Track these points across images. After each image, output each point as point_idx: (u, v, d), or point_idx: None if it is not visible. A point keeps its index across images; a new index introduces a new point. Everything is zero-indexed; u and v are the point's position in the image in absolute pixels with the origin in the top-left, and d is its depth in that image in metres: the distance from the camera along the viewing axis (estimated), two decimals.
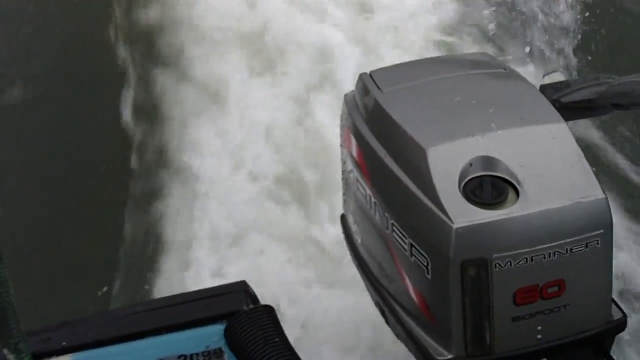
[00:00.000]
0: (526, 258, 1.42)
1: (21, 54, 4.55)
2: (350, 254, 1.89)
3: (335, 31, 4.18)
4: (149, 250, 3.42)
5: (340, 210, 2.01)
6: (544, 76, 2.02)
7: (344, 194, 1.92)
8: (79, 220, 3.62)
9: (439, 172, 1.47)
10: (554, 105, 1.68)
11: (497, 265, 1.41)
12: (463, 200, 1.44)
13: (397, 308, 1.62)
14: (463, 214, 1.42)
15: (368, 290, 1.80)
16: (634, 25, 4.07)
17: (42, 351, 1.51)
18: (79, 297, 3.19)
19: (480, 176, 1.46)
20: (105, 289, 3.25)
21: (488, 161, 1.48)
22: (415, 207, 1.49)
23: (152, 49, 4.51)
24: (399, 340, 1.69)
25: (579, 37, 4.05)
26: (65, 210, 3.66)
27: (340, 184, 1.95)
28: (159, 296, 1.75)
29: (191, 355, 1.59)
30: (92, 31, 4.68)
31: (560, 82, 1.90)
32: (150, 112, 4.16)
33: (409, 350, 1.62)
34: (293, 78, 3.97)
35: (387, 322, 1.71)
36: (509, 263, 1.42)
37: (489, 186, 1.45)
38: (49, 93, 4.34)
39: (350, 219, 1.87)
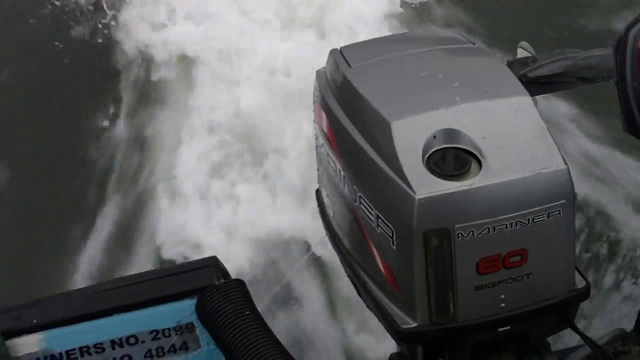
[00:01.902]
0: (488, 228, 1.44)
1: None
2: (324, 228, 1.91)
3: None
4: (120, 228, 3.44)
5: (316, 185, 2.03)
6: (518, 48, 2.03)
7: (318, 169, 1.94)
8: (49, 201, 3.64)
9: (403, 144, 1.49)
10: (521, 81, 1.70)
11: (460, 235, 1.44)
12: (426, 171, 1.46)
13: (366, 279, 1.64)
14: (425, 185, 1.44)
15: (341, 262, 1.83)
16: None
17: (13, 329, 1.53)
18: (48, 276, 3.21)
19: (444, 148, 1.48)
20: (75, 267, 3.28)
21: (451, 133, 1.49)
22: (380, 179, 1.51)
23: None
24: (370, 311, 1.72)
25: (544, 12, 4.10)
26: (36, 189, 3.68)
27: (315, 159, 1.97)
28: (129, 273, 1.76)
29: (163, 331, 1.61)
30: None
31: (527, 58, 1.92)
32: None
33: (378, 320, 1.64)
34: None
35: (359, 293, 1.74)
36: (471, 233, 1.44)
37: (452, 158, 1.46)
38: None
39: (324, 193, 1.90)
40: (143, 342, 1.60)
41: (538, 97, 1.73)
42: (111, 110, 4.14)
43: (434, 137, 1.49)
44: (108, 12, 4.58)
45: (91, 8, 4.67)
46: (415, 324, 1.51)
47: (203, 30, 4.25)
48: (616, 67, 1.68)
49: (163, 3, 4.46)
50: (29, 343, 1.54)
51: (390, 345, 1.72)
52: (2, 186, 3.76)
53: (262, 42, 4.16)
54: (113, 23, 4.57)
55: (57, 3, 4.66)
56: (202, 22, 4.29)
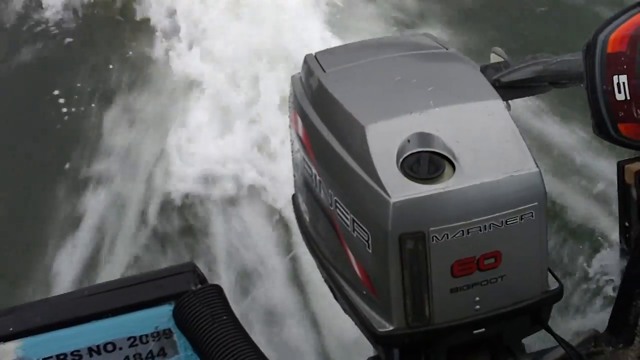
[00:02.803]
0: (462, 231, 1.46)
1: None
2: (301, 232, 1.92)
3: None
4: (95, 235, 3.43)
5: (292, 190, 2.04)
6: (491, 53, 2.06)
7: (294, 175, 1.95)
8: (23, 204, 3.62)
9: (378, 148, 1.50)
10: (494, 85, 1.73)
11: (434, 238, 1.45)
12: (401, 175, 1.47)
13: (343, 283, 1.66)
14: (400, 189, 1.46)
15: (317, 266, 1.84)
16: (571, 5, 4.20)
17: None
18: (24, 284, 3.19)
19: (418, 152, 1.50)
20: (51, 274, 3.26)
21: (425, 137, 1.51)
22: (355, 183, 1.53)
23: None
24: (346, 315, 1.73)
25: (517, 17, 4.16)
26: (10, 197, 3.66)
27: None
28: (106, 280, 1.76)
29: (140, 337, 1.61)
30: None
31: (500, 63, 1.95)
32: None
33: (355, 323, 1.66)
34: None
35: (335, 297, 1.75)
36: (445, 236, 1.45)
37: (426, 161, 1.48)
38: None
39: (300, 198, 1.90)
40: (121, 348, 1.60)
41: (510, 101, 1.76)
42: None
43: (408, 141, 1.51)
44: None
45: None
46: (391, 327, 1.52)
47: None
48: (586, 72, 1.71)
49: None
50: (6, 351, 1.53)
51: (367, 349, 1.73)
52: None
53: None
54: None
55: None
56: None
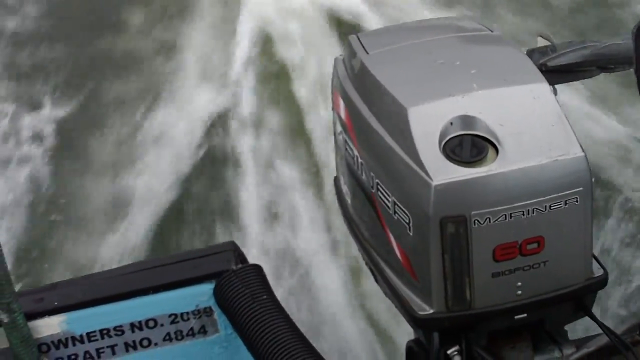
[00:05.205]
0: (505, 215, 1.44)
1: None
2: (342, 215, 1.92)
3: None
4: (140, 211, 3.47)
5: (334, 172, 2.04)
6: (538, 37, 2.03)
7: (336, 157, 1.95)
8: (70, 183, 3.68)
9: (420, 131, 1.49)
10: (541, 69, 1.69)
11: (476, 222, 1.44)
12: (443, 158, 1.46)
13: (383, 266, 1.65)
14: (442, 172, 1.44)
15: (358, 249, 1.84)
16: None
17: (35, 311, 1.56)
18: (69, 259, 3.25)
19: (461, 135, 1.48)
20: (96, 250, 3.32)
21: (468, 120, 1.49)
22: (397, 165, 1.52)
23: None
24: (387, 298, 1.73)
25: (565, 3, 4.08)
26: (58, 171, 3.73)
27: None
28: (149, 257, 1.79)
29: (181, 314, 1.63)
30: None
31: (547, 46, 1.91)
32: None
33: (395, 306, 1.65)
34: None
35: (376, 280, 1.75)
36: (487, 220, 1.44)
37: (468, 144, 1.46)
38: None
39: (342, 181, 1.90)
40: (162, 325, 1.63)
41: (558, 86, 1.73)
42: None
43: (451, 123, 1.49)
44: None
45: None
46: (431, 311, 1.52)
47: None
48: (635, 55, 1.67)
49: None
50: (51, 325, 1.57)
51: (407, 332, 1.73)
52: (19, 173, 3.82)
53: None
54: None
55: None
56: None
